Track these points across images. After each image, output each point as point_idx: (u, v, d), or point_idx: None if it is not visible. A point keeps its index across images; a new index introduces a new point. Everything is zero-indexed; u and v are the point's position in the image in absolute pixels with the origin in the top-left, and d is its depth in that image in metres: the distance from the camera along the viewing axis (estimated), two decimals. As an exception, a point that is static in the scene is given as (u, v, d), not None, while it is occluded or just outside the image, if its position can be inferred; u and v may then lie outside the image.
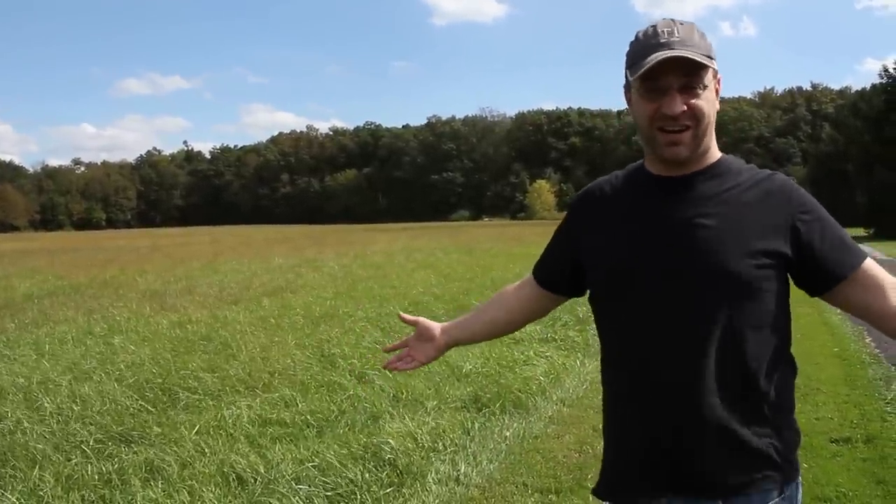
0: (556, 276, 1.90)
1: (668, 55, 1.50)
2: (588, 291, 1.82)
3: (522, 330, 8.88)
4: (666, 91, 1.53)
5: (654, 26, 1.56)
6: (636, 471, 1.65)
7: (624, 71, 1.61)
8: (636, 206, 1.66)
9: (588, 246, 1.73)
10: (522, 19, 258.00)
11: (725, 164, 1.64)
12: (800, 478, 1.63)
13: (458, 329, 2.06)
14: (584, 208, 1.80)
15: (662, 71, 1.51)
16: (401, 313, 2.14)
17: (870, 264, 1.58)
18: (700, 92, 1.54)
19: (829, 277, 1.57)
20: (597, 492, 1.76)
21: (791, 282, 1.62)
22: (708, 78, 1.55)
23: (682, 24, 1.56)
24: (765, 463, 1.56)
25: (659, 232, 1.59)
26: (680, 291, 1.56)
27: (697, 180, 1.60)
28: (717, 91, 1.60)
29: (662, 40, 1.52)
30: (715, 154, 1.64)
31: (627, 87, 1.62)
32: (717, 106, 1.60)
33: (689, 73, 1.52)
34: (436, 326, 2.05)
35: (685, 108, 1.53)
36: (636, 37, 1.59)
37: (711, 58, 1.55)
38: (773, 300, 1.57)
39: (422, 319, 2.06)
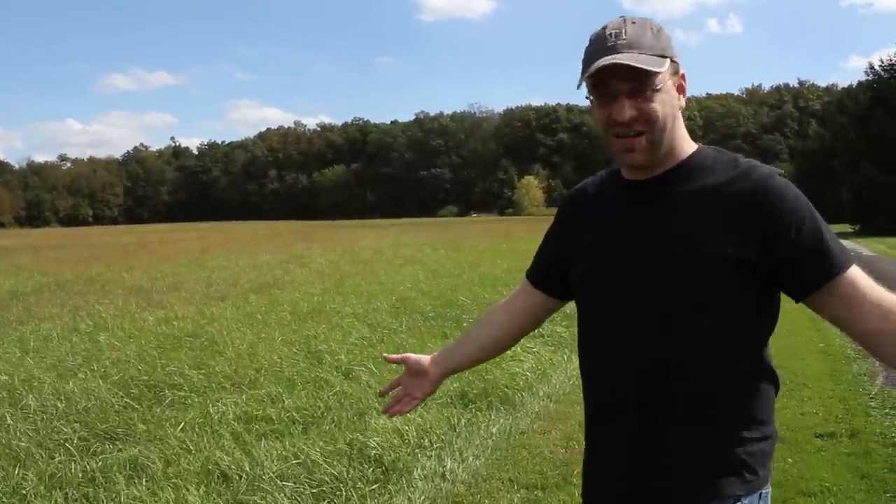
0: (550, 276, 1.83)
1: (608, 62, 1.43)
2: None
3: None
4: (616, 96, 1.47)
5: (605, 28, 1.50)
6: (603, 480, 1.64)
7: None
8: (609, 211, 1.62)
9: (571, 249, 1.70)
10: (510, 15, 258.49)
11: (697, 160, 1.55)
12: (766, 489, 1.55)
13: (448, 356, 1.98)
14: (569, 210, 1.76)
15: (609, 76, 1.46)
16: (384, 354, 2.05)
17: (851, 276, 1.45)
18: (651, 95, 1.46)
19: (801, 287, 1.47)
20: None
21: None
22: (661, 78, 1.46)
23: (633, 22, 1.48)
24: (723, 476, 1.49)
25: (625, 237, 1.55)
26: (639, 299, 1.52)
27: (665, 182, 1.54)
28: (680, 87, 1.53)
29: (609, 44, 1.45)
30: (685, 151, 1.56)
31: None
32: (682, 103, 1.54)
33: (637, 78, 1.44)
34: (425, 359, 1.96)
35: (635, 112, 1.46)
36: (589, 39, 1.52)
37: (665, 56, 1.47)
38: (742, 308, 1.48)
39: (409, 356, 1.97)
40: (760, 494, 1.53)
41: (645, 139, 1.49)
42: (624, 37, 1.46)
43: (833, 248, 1.45)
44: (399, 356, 1.97)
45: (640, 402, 1.53)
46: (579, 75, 1.51)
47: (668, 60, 1.47)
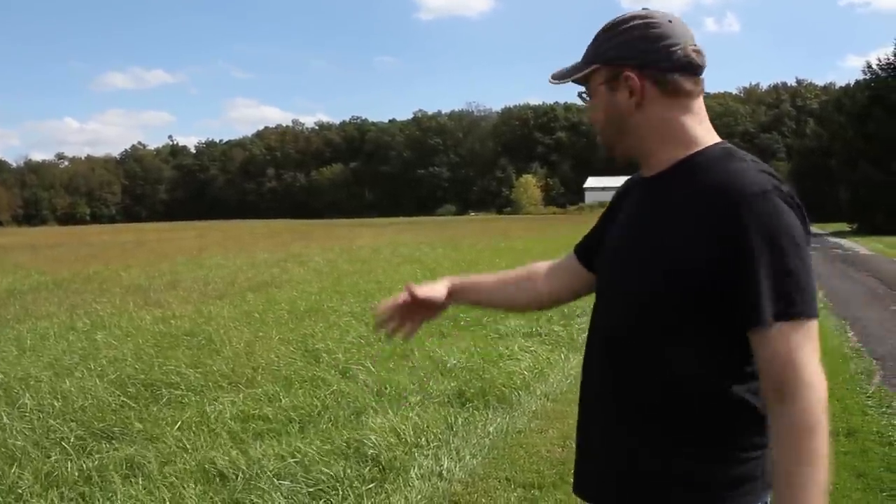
0: (594, 253, 1.76)
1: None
2: None
3: (507, 324, 8.85)
4: None
5: None
6: (582, 475, 1.65)
7: None
8: (623, 206, 1.65)
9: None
10: (508, 14, 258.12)
11: (689, 165, 1.47)
12: None
13: (469, 294, 1.94)
14: (617, 197, 1.75)
15: None
16: (411, 287, 1.88)
17: (765, 337, 1.32)
18: (589, 100, 1.57)
19: (739, 321, 1.37)
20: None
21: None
22: (594, 84, 1.53)
23: (608, 23, 1.53)
24: (661, 485, 1.45)
25: (618, 236, 1.59)
26: (608, 300, 1.56)
27: (658, 181, 1.52)
28: (630, 90, 1.47)
29: None
30: (680, 153, 1.48)
31: None
32: (625, 107, 1.49)
33: (580, 84, 1.58)
34: (443, 293, 1.89)
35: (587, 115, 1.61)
36: None
37: (593, 63, 1.51)
38: (689, 323, 1.40)
39: (432, 293, 1.88)
40: None
41: (601, 139, 1.59)
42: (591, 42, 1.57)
43: (763, 296, 1.31)
44: (425, 293, 1.87)
45: (600, 401, 1.56)
46: None
47: (593, 66, 1.52)
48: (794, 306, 1.30)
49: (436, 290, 1.89)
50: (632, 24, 1.48)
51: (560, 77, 1.57)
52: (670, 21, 1.48)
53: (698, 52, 1.48)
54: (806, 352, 1.30)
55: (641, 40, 1.47)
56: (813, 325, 1.33)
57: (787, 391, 1.29)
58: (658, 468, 1.45)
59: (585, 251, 1.80)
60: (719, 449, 1.41)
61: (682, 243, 1.39)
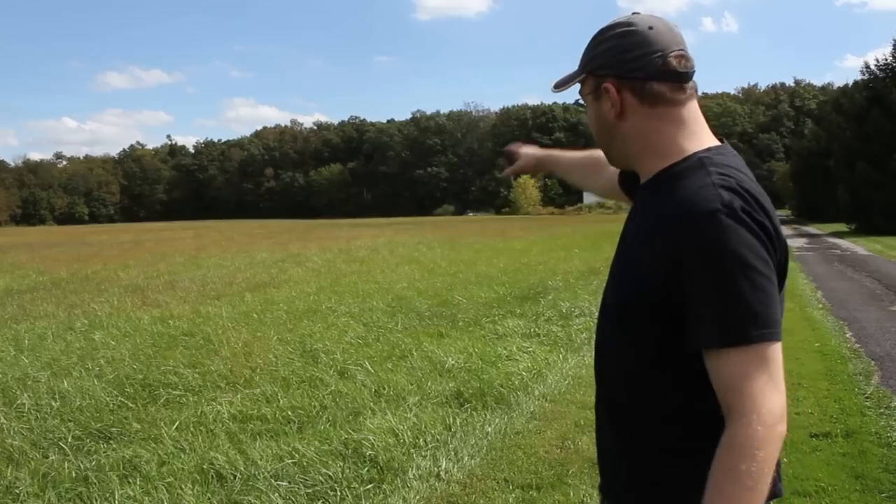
0: (628, 182, 1.73)
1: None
2: None
3: (506, 325, 8.84)
4: None
5: None
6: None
7: None
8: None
9: None
10: (506, 14, 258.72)
11: (665, 177, 1.44)
12: None
13: (549, 164, 2.32)
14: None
15: None
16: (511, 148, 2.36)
17: (712, 362, 1.28)
18: (586, 106, 1.57)
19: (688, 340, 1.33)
20: None
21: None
22: (584, 93, 1.54)
23: (597, 31, 1.50)
24: (629, 481, 1.50)
25: (619, 242, 1.60)
26: (602, 306, 1.59)
27: (643, 193, 1.51)
28: (614, 101, 1.45)
29: None
30: (660, 164, 1.46)
31: None
32: (608, 117, 1.48)
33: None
34: (531, 163, 2.34)
35: None
36: None
37: (583, 72, 1.51)
38: (664, 344, 1.38)
39: (524, 161, 2.33)
40: None
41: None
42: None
43: (707, 323, 1.28)
44: (512, 168, 2.35)
45: (599, 405, 1.60)
46: None
47: (583, 75, 1.52)
48: (741, 332, 1.25)
49: (527, 153, 2.33)
50: (613, 32, 1.46)
51: (558, 85, 1.58)
52: (651, 28, 1.43)
53: (683, 58, 1.42)
54: (753, 378, 1.24)
55: (619, 50, 1.44)
56: (766, 349, 1.26)
57: (733, 414, 1.25)
58: (644, 472, 1.47)
59: (625, 179, 1.73)
60: (698, 456, 1.33)
61: (645, 262, 1.38)
